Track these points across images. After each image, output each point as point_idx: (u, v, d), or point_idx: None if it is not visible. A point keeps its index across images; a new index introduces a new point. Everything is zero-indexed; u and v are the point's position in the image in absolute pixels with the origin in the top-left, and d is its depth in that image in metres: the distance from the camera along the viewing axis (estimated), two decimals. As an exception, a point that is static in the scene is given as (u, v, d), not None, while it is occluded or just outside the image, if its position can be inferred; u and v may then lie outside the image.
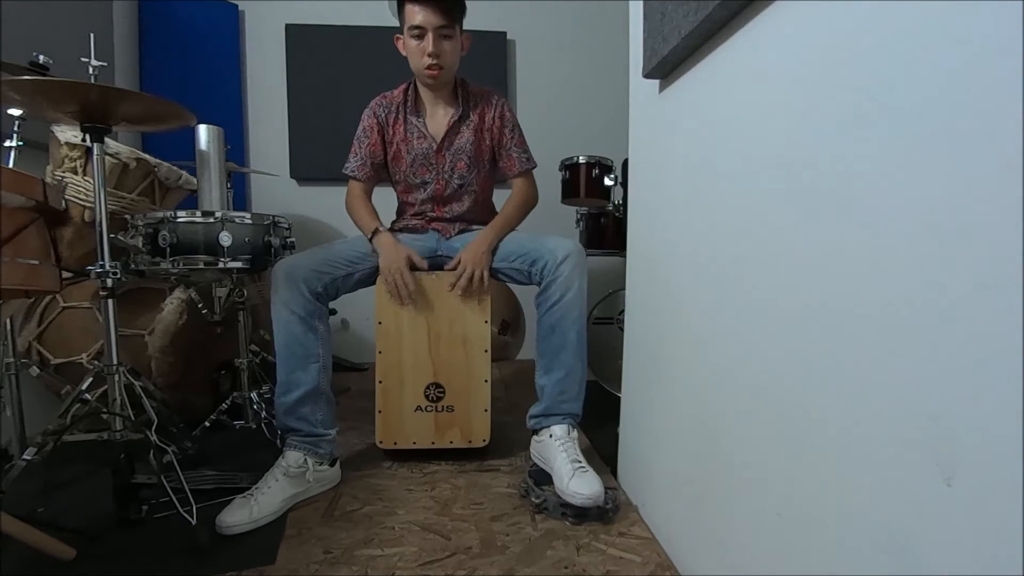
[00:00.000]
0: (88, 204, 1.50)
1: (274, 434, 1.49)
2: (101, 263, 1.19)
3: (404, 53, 1.41)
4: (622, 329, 1.46)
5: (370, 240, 1.41)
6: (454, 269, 1.40)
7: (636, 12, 1.17)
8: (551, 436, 1.30)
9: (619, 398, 1.35)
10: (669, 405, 1.04)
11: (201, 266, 1.42)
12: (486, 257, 1.40)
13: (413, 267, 1.38)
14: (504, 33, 2.74)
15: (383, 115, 1.47)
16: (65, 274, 1.38)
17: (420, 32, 1.34)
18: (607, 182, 1.97)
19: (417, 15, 1.32)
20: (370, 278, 1.42)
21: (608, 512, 1.14)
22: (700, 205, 0.91)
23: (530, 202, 1.53)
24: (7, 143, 1.34)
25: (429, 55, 1.34)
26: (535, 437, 1.36)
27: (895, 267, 0.49)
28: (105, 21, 2.15)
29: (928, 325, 0.45)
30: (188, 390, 1.68)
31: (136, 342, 1.59)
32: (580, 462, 1.21)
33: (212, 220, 1.42)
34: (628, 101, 1.28)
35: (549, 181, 2.01)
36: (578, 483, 1.14)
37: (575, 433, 1.33)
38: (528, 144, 1.55)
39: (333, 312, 1.46)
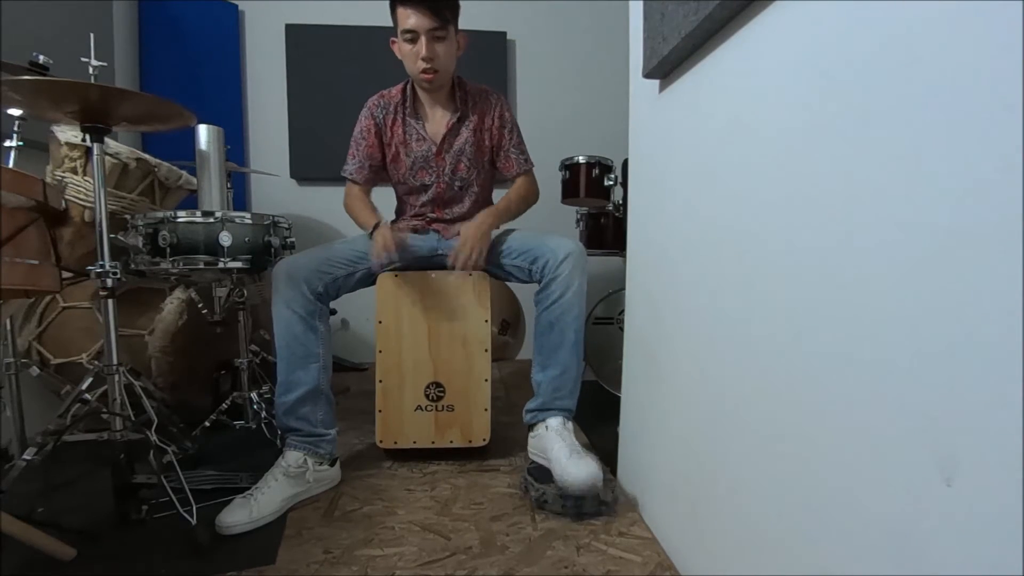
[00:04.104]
0: (88, 204, 1.50)
1: (274, 434, 1.49)
2: (101, 263, 1.19)
3: (399, 56, 1.41)
4: (622, 329, 1.46)
5: (371, 236, 1.40)
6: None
7: (636, 12, 1.17)
8: (547, 428, 1.31)
9: (619, 398, 1.36)
10: (669, 405, 1.04)
11: (201, 266, 1.42)
12: (486, 237, 1.39)
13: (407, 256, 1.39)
14: (504, 33, 2.74)
15: (380, 115, 1.47)
16: (65, 274, 1.38)
17: (413, 36, 1.33)
18: (607, 182, 1.97)
19: (409, 19, 1.31)
20: (371, 278, 1.42)
21: (607, 503, 1.14)
22: (700, 205, 0.91)
23: (531, 197, 1.54)
24: (7, 143, 1.34)
25: (423, 59, 1.34)
26: (531, 432, 1.37)
27: (896, 267, 0.49)
28: (105, 21, 2.15)
29: (928, 325, 0.45)
30: (188, 390, 1.68)
31: (136, 342, 1.59)
32: (576, 448, 1.22)
33: (212, 220, 1.42)
34: (628, 101, 1.28)
35: (549, 181, 2.01)
36: (575, 467, 1.14)
37: (570, 425, 1.34)
38: (527, 144, 1.55)
39: (333, 312, 1.46)
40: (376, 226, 1.40)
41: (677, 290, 1.01)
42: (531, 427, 1.37)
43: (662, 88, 1.08)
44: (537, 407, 1.36)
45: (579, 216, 2.19)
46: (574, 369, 1.35)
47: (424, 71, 1.36)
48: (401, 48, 1.38)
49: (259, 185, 2.71)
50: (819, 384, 0.59)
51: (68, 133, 1.53)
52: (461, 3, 1.41)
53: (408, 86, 1.48)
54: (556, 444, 1.23)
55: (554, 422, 1.31)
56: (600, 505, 1.15)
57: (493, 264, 1.45)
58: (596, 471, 1.13)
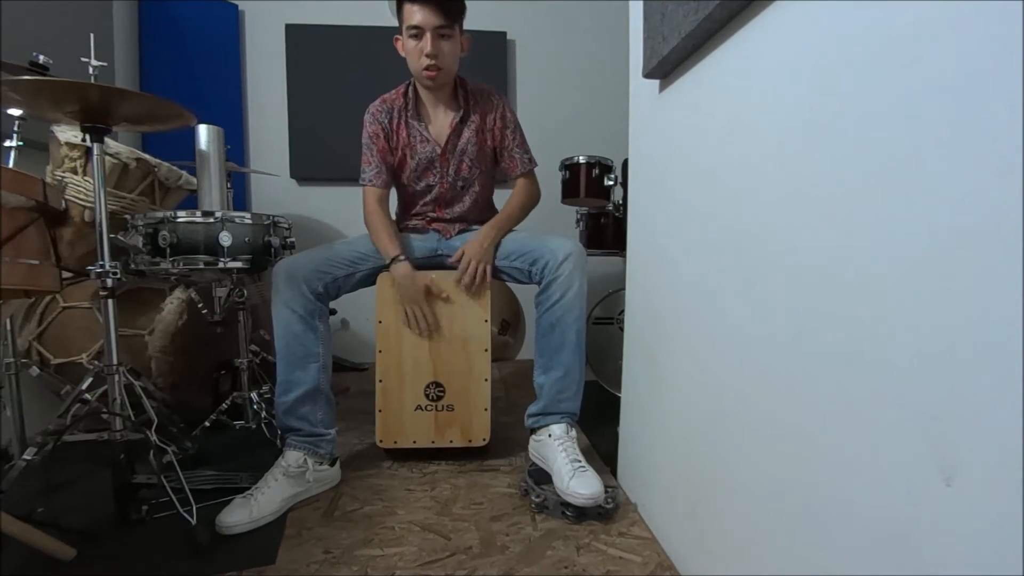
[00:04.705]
0: (88, 204, 1.50)
1: (274, 434, 1.49)
2: (101, 263, 1.19)
3: (403, 54, 1.40)
4: (622, 329, 1.46)
5: (388, 264, 1.38)
6: (456, 262, 1.40)
7: (636, 12, 1.17)
8: (550, 435, 1.30)
9: (619, 398, 1.35)
10: (669, 405, 1.04)
11: (201, 266, 1.42)
12: (489, 252, 1.40)
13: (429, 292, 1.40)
14: (504, 33, 2.74)
15: (385, 120, 1.46)
16: (65, 274, 1.38)
17: (418, 32, 1.33)
18: (607, 182, 1.97)
19: (415, 15, 1.31)
20: (371, 278, 1.42)
21: (608, 511, 1.14)
22: (700, 205, 0.91)
23: (533, 200, 1.54)
24: (7, 143, 1.34)
25: (427, 55, 1.33)
26: (534, 436, 1.37)
27: (895, 267, 0.49)
28: (105, 21, 2.15)
29: (928, 325, 0.45)
30: (188, 390, 1.68)
31: (136, 342, 1.59)
32: (580, 461, 1.21)
33: (212, 220, 1.42)
34: (628, 101, 1.28)
35: (549, 181, 2.01)
36: (578, 483, 1.14)
37: (574, 432, 1.33)
38: (528, 143, 1.55)
39: (333, 312, 1.46)
40: (395, 259, 1.37)
41: (677, 290, 1.01)
42: (533, 430, 1.37)
43: (662, 88, 1.08)
44: (540, 411, 1.36)
45: (579, 216, 2.19)
46: (577, 371, 1.34)
47: (428, 68, 1.35)
48: (405, 44, 1.37)
49: (259, 185, 2.71)
50: (819, 384, 0.59)
51: (68, 133, 1.53)
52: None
53: (410, 88, 1.47)
54: (559, 456, 1.23)
55: (557, 430, 1.30)
56: (600, 514, 1.15)
57: (492, 265, 1.45)
58: (598, 489, 1.13)
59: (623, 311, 1.63)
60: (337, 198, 2.72)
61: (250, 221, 1.48)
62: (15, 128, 1.34)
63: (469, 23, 1.42)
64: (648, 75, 1.06)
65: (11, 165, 1.33)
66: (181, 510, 1.03)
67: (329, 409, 1.33)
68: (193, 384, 1.70)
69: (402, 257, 1.37)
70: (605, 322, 1.96)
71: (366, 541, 1.07)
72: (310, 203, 2.73)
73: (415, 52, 1.35)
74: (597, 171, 1.98)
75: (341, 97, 2.62)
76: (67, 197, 1.48)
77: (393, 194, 1.60)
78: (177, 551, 1.02)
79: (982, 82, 0.40)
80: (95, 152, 1.20)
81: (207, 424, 1.59)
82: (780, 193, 0.67)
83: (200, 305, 1.65)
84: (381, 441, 1.42)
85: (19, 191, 0.96)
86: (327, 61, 2.64)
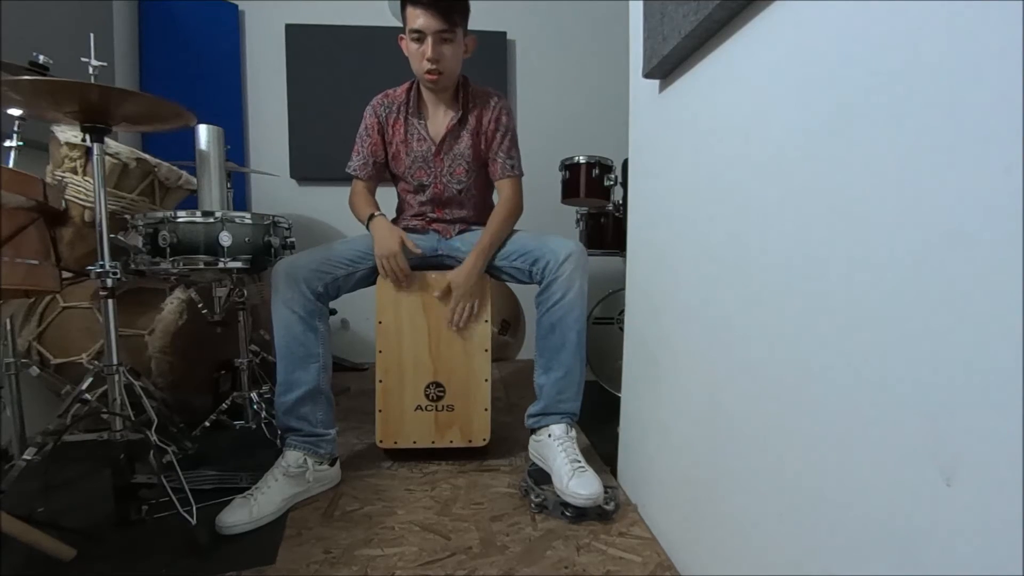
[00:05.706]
0: (88, 204, 1.50)
1: (274, 434, 1.49)
2: (101, 263, 1.19)
3: (406, 53, 1.41)
4: (622, 329, 1.46)
5: (367, 225, 1.42)
6: (450, 270, 1.40)
7: (636, 12, 1.17)
8: (550, 435, 1.30)
9: (619, 398, 1.35)
10: (669, 405, 1.04)
11: (201, 266, 1.42)
12: (476, 285, 1.41)
13: (416, 270, 1.39)
14: (504, 33, 2.74)
15: (384, 114, 1.47)
16: (65, 274, 1.38)
17: (420, 36, 1.33)
18: (607, 182, 1.97)
19: (418, 19, 1.31)
20: (370, 277, 1.42)
21: (608, 511, 1.14)
22: (700, 205, 0.91)
23: (515, 212, 1.47)
24: (7, 143, 1.34)
25: (428, 59, 1.34)
26: (534, 436, 1.37)
27: (895, 266, 0.49)
28: (105, 21, 2.15)
29: (928, 325, 0.45)
30: (188, 390, 1.68)
31: (136, 342, 1.59)
32: (579, 462, 1.21)
33: (212, 220, 1.42)
34: (628, 101, 1.28)
35: (549, 181, 2.02)
36: (577, 483, 1.14)
37: (574, 432, 1.33)
38: (526, 145, 1.55)
39: (333, 312, 1.46)
40: (372, 216, 1.41)
41: (677, 290, 1.01)
42: (534, 430, 1.37)
43: (662, 88, 1.08)
44: (540, 411, 1.36)
45: (579, 216, 2.19)
46: (577, 371, 1.34)
47: (429, 71, 1.36)
48: (408, 46, 1.37)
49: (259, 185, 2.71)
50: (818, 384, 0.59)
51: (68, 133, 1.53)
52: (463, 3, 1.41)
53: (413, 85, 1.47)
54: (559, 456, 1.23)
55: (557, 430, 1.30)
56: (601, 513, 1.15)
57: (493, 266, 1.45)
58: (597, 489, 1.13)
59: (623, 311, 1.64)
60: (337, 198, 2.70)
61: (250, 221, 1.48)
62: (15, 128, 1.34)
63: (469, 23, 1.42)
64: (648, 75, 1.06)
65: (11, 165, 1.33)
66: (181, 510, 1.03)
67: (329, 409, 1.33)
68: (193, 384, 1.70)
69: (378, 213, 1.42)
70: (605, 322, 1.96)
71: (366, 541, 1.07)
72: (310, 203, 2.74)
73: (417, 55, 1.35)
74: (597, 171, 1.98)
75: (341, 97, 2.62)
76: (67, 197, 1.49)
77: (393, 195, 1.60)
78: (177, 551, 1.02)
79: (983, 82, 0.40)
80: (95, 152, 1.20)
81: (207, 424, 1.59)
82: (780, 193, 0.67)
83: (200, 305, 1.65)
84: (381, 441, 1.42)
85: (19, 191, 0.96)
86: (327, 61, 2.64)
